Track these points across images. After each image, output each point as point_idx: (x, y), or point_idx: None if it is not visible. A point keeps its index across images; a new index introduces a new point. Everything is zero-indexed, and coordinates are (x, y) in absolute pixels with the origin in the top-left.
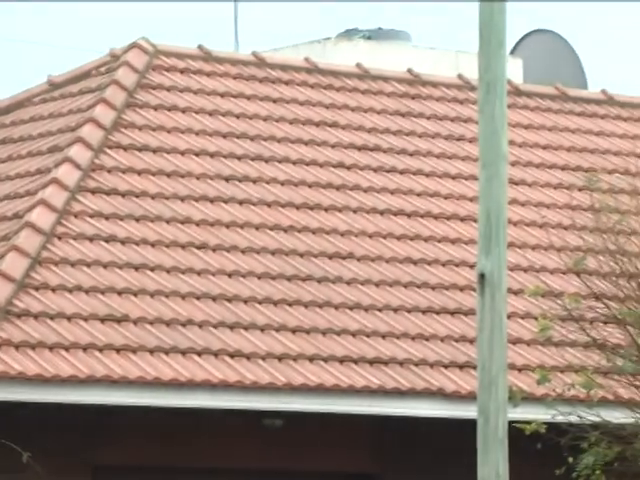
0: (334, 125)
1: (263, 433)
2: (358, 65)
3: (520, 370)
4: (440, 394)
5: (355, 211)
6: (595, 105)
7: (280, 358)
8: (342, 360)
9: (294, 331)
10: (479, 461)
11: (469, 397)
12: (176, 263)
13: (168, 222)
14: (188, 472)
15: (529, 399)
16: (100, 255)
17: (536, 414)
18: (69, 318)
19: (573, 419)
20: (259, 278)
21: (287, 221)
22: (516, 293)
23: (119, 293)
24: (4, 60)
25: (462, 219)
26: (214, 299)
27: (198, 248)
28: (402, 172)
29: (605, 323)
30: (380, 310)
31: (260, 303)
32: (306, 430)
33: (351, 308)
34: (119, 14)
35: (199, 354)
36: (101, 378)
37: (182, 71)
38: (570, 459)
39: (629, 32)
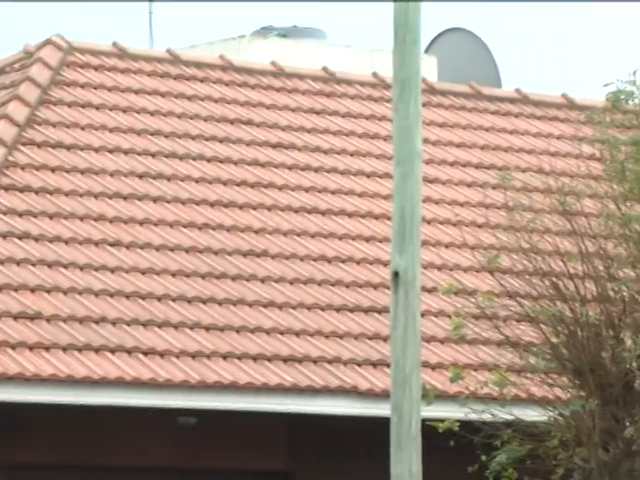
0: (249, 123)
1: (177, 431)
2: (273, 63)
3: (434, 368)
4: (354, 392)
5: (269, 209)
6: (509, 104)
7: (194, 356)
8: (256, 358)
9: (208, 329)
10: (392, 459)
11: (383, 395)
12: (89, 260)
13: (82, 219)
14: (102, 470)
15: (442, 397)
16: (13, 252)
17: (449, 412)
18: None
19: (486, 417)
20: (173, 276)
21: (201, 219)
22: (430, 291)
23: (32, 290)
24: None
25: (376, 217)
26: (127, 297)
27: (112, 245)
28: (317, 170)
29: (518, 321)
30: (294, 308)
31: (174, 300)
32: (220, 428)
33: (265, 306)
34: (33, 10)
35: (112, 352)
36: (14, 376)
37: (96, 68)
38: (483, 457)
39: (542, 31)
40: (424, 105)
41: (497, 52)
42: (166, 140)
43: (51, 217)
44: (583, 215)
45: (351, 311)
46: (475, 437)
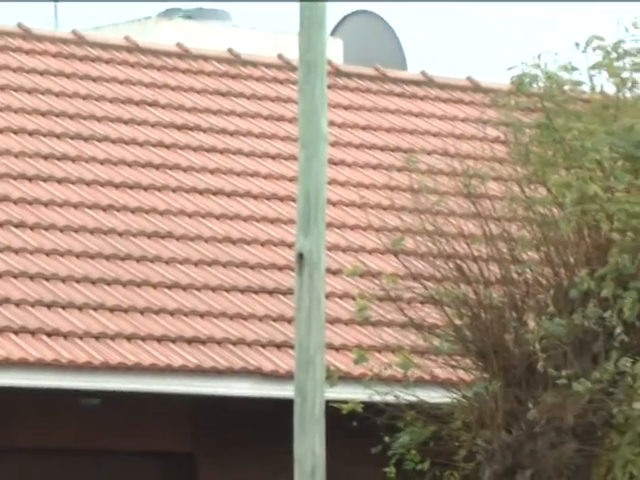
0: (154, 104)
1: (80, 412)
2: (178, 44)
3: (338, 350)
4: (258, 373)
5: (174, 190)
6: (414, 86)
7: (97, 337)
8: (160, 339)
9: (112, 310)
10: (296, 440)
11: (287, 376)
12: None
13: None
14: (5, 452)
15: (346, 378)
16: None
17: (353, 393)
18: None
19: (389, 399)
20: (77, 257)
21: (106, 200)
22: (334, 273)
23: None
24: None
25: (281, 199)
26: (32, 278)
27: (16, 227)
28: (222, 152)
29: (422, 303)
30: (199, 289)
31: (78, 282)
32: (123, 410)
33: (169, 287)
34: None
35: (16, 333)
36: None
37: (1, 49)
38: (386, 438)
39: (448, 14)
40: (329, 87)
41: (403, 34)
42: (71, 121)
43: None
44: (487, 198)
45: (256, 293)
46: (378, 419)
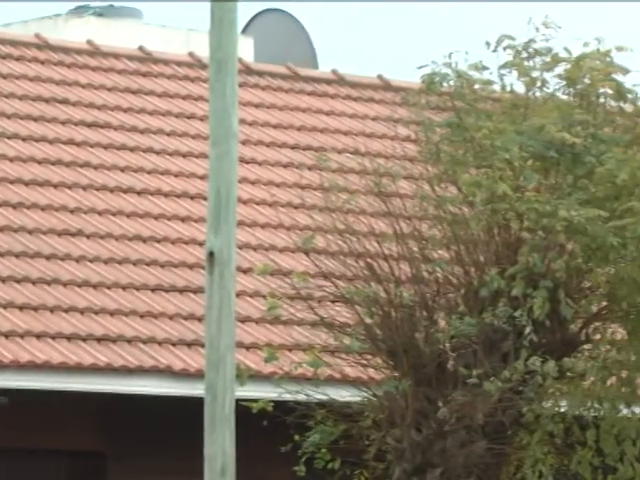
0: (64, 102)
1: None
2: (89, 42)
3: (248, 348)
4: (168, 372)
5: (85, 188)
6: (326, 85)
7: (7, 335)
8: (70, 338)
9: (21, 308)
10: (206, 439)
11: (197, 375)
12: None
13: None
14: None
15: (257, 377)
16: None
17: (263, 392)
18: None
19: (300, 397)
20: None
21: (16, 197)
22: (245, 271)
23: None
24: None
25: (192, 197)
26: None
27: None
28: (133, 150)
29: (333, 302)
30: (109, 288)
31: None
32: (33, 408)
33: (80, 285)
34: None
35: None
36: None
37: None
38: (296, 437)
39: (358, 13)
40: (241, 86)
41: (314, 33)
42: None
43: None
44: (398, 196)
45: (166, 291)
46: (289, 417)
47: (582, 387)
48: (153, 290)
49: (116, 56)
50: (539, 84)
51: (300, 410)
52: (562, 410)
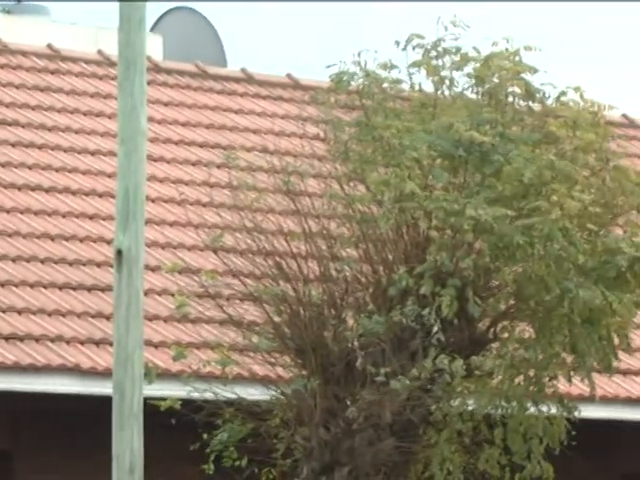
0: None
1: None
2: None
3: (156, 346)
4: (76, 370)
5: None
6: (234, 83)
7: None
8: None
9: None
10: (114, 437)
11: (106, 373)
12: None
13: None
14: None
15: (165, 375)
16: None
17: (172, 390)
18: None
19: (208, 395)
20: None
21: None
22: (153, 270)
23: None
24: None
25: (100, 195)
26: None
27: None
28: (40, 147)
29: (242, 300)
30: (16, 286)
31: None
32: None
33: None
34: None
35: None
36: None
37: None
38: (205, 435)
39: (267, 11)
40: (149, 84)
41: (223, 31)
42: None
43: None
44: (307, 195)
45: (74, 289)
46: (197, 415)
47: (490, 385)
48: (61, 288)
49: (24, 53)
50: (448, 83)
51: (208, 408)
52: (470, 408)
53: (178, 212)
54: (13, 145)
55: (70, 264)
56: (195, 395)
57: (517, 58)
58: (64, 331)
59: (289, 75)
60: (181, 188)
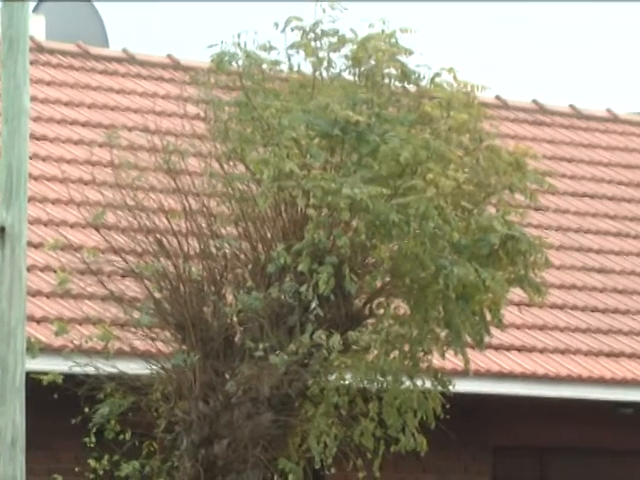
0: None
1: None
2: None
3: (39, 322)
4: None
5: None
6: (116, 63)
7: None
8: None
9: None
10: None
11: None
12: None
13: None
14: None
15: (47, 350)
16: None
17: (54, 365)
18: None
19: (90, 370)
20: None
21: None
22: (36, 246)
23: None
24: None
25: None
26: None
27: None
28: None
29: (123, 277)
30: None
31: None
32: None
33: None
34: None
35: None
36: None
37: None
38: (87, 409)
39: None
40: (32, 63)
41: (105, 12)
42: None
43: None
44: (187, 173)
45: None
46: (79, 390)
47: (366, 360)
48: None
49: None
50: (325, 64)
51: (90, 383)
52: (346, 383)
53: (61, 190)
54: None
55: None
56: (77, 370)
57: (393, 40)
58: None
59: (170, 56)
60: (64, 166)
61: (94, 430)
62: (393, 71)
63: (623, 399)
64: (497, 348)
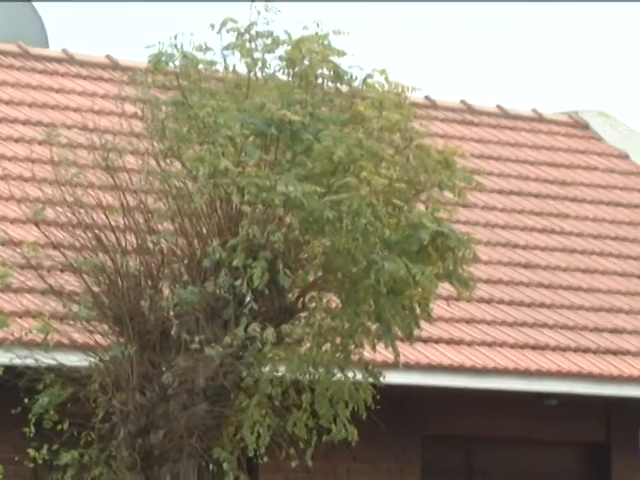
0: None
1: None
2: None
3: None
4: None
5: None
6: (56, 63)
7: None
8: None
9: None
10: None
11: None
12: None
13: None
14: None
15: None
16: None
17: None
18: None
19: (30, 362)
20: None
21: None
22: None
23: None
24: None
25: None
26: None
27: None
28: None
29: (62, 271)
30: None
31: None
32: None
33: None
34: None
35: None
36: None
37: None
38: (26, 400)
39: None
40: None
41: (45, 13)
42: None
43: None
44: (125, 171)
45: None
46: (19, 381)
47: (299, 352)
48: None
49: None
50: (260, 65)
51: (30, 374)
52: (280, 374)
53: (1, 187)
54: None
55: None
56: (17, 362)
57: (326, 42)
58: None
59: (109, 56)
60: (4, 164)
61: (33, 420)
62: (326, 72)
63: (548, 390)
64: (426, 341)
